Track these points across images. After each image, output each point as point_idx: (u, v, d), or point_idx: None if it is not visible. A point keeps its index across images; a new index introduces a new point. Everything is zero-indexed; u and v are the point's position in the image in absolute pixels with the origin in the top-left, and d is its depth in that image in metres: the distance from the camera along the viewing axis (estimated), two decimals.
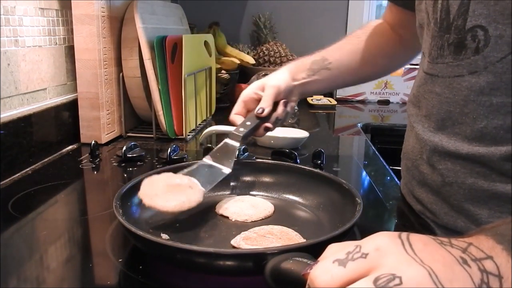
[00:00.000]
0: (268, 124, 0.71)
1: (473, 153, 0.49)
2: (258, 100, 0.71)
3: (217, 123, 1.19)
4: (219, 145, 0.66)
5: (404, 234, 0.29)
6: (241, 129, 0.67)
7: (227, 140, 0.66)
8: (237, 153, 0.66)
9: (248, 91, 0.73)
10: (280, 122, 0.73)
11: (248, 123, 0.69)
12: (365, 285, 0.26)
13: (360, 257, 0.28)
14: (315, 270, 0.29)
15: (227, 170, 0.62)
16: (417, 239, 0.29)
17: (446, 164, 0.52)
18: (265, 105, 0.69)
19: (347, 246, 0.29)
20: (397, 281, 0.26)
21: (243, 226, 0.56)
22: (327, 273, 0.28)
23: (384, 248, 0.28)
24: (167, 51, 0.95)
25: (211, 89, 1.20)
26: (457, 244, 0.29)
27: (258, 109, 0.69)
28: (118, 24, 0.99)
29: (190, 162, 0.66)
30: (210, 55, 1.18)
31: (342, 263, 0.28)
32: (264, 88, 0.72)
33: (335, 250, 0.30)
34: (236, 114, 0.72)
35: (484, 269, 0.27)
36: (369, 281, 0.26)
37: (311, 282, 0.29)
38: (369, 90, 1.57)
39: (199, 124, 1.12)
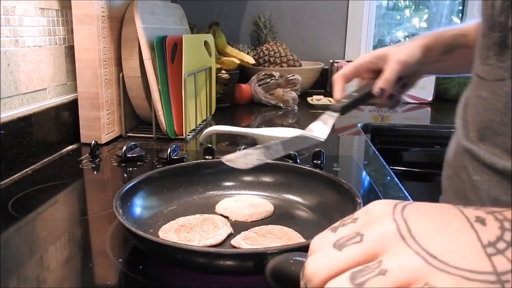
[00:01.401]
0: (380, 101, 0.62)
1: (508, 168, 0.44)
2: (373, 71, 0.62)
3: (217, 123, 1.19)
4: (317, 120, 0.61)
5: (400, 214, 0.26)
6: (344, 100, 0.61)
7: (326, 113, 0.61)
8: (333, 122, 0.61)
9: (366, 57, 0.63)
10: (394, 103, 0.63)
11: (355, 94, 0.61)
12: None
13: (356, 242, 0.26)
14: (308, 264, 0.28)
15: (320, 137, 0.59)
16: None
17: (482, 176, 0.47)
18: (386, 85, 0.59)
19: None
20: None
21: (243, 226, 0.56)
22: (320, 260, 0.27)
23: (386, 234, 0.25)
24: (167, 51, 0.95)
25: (211, 89, 1.20)
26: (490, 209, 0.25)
27: (377, 89, 0.60)
28: (118, 24, 0.99)
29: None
30: (210, 55, 1.18)
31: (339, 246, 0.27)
32: (388, 61, 0.61)
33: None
34: (342, 76, 0.64)
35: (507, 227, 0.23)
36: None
37: (307, 280, 0.28)
38: None
39: (199, 124, 1.12)
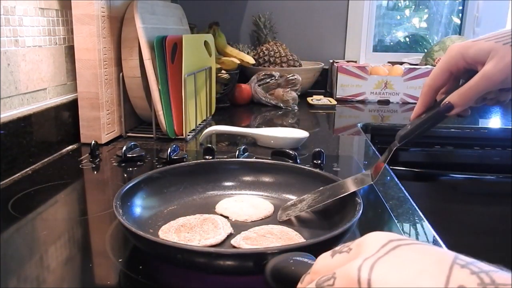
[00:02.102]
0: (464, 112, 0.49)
1: None
2: (467, 71, 0.49)
3: (217, 123, 1.19)
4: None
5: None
6: (408, 125, 0.52)
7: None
8: (387, 155, 0.54)
9: (459, 54, 0.48)
10: (493, 103, 0.50)
11: (424, 115, 0.51)
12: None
13: None
14: None
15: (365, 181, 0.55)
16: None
17: None
18: (459, 102, 0.47)
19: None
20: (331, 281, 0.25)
21: (243, 226, 0.56)
22: None
23: None
24: (167, 51, 0.95)
25: (211, 89, 1.20)
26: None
27: (443, 103, 0.48)
28: (118, 24, 0.99)
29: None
30: (210, 55, 1.18)
31: None
32: (483, 64, 0.46)
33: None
34: (429, 87, 0.51)
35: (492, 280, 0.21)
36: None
37: None
38: (369, 90, 1.57)
39: (199, 124, 1.12)
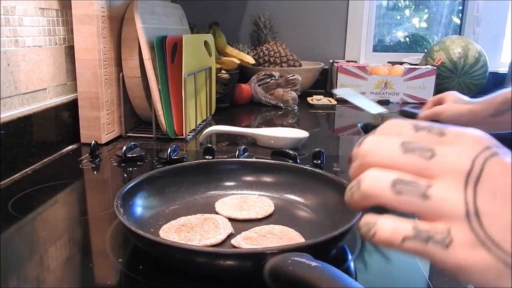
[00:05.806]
0: None
1: None
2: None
3: (217, 123, 1.19)
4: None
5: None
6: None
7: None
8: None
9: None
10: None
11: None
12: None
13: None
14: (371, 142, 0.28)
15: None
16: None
17: None
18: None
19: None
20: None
21: (244, 226, 0.56)
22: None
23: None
24: (167, 51, 0.95)
25: (211, 89, 1.20)
26: None
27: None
28: (118, 24, 0.99)
29: None
30: (210, 55, 1.18)
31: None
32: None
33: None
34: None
35: None
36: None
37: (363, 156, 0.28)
38: (369, 90, 1.57)
39: (199, 124, 1.12)
